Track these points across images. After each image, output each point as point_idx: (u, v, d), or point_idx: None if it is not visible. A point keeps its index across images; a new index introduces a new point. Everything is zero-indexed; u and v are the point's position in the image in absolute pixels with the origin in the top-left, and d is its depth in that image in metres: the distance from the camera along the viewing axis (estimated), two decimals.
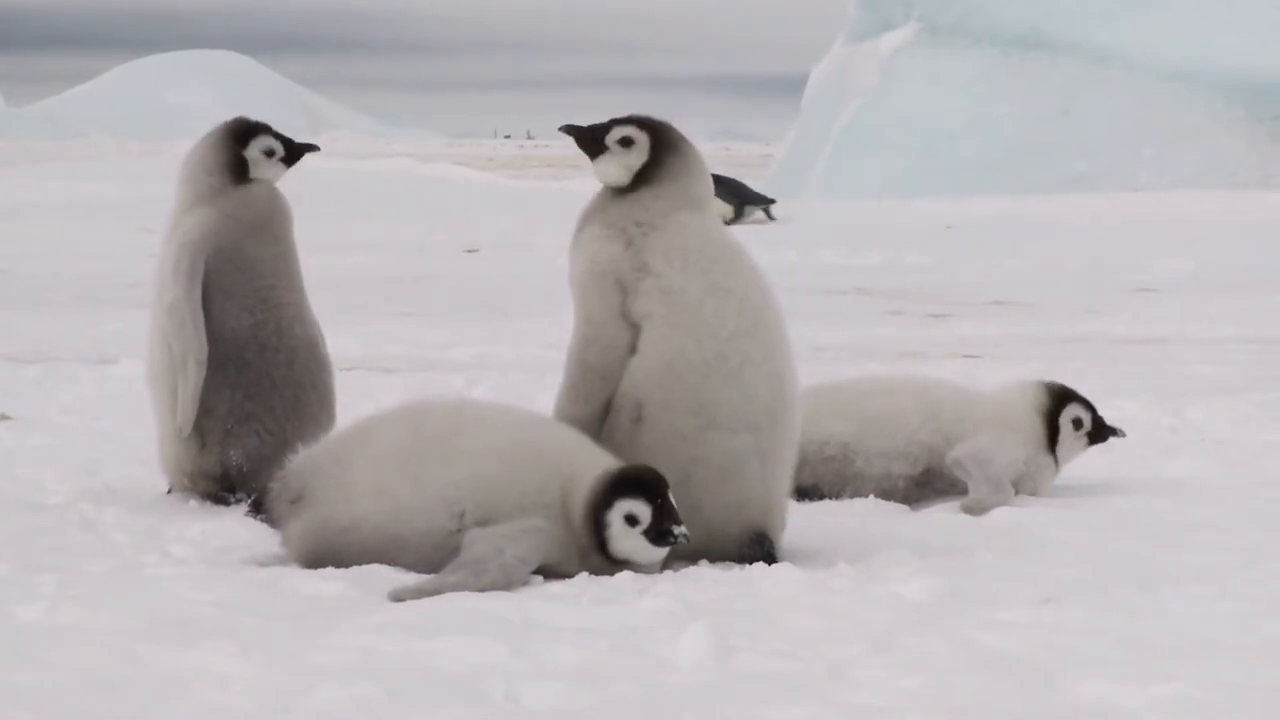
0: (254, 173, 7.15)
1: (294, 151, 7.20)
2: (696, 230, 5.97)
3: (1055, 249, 21.15)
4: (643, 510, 5.59)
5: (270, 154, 7.15)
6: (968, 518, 6.76)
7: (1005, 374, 10.67)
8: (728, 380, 5.86)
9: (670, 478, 5.73)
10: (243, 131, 7.16)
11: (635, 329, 5.87)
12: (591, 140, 6.08)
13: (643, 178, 6.02)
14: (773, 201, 28.53)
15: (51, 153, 64.58)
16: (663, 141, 6.06)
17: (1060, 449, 7.26)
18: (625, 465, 5.68)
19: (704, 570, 5.79)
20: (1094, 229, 23.86)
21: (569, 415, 5.87)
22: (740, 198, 28.45)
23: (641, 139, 6.05)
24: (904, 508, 6.98)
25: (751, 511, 5.89)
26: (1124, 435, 7.40)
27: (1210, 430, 8.85)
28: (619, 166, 6.04)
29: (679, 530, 5.60)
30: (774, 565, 5.81)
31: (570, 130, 6.16)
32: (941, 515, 6.81)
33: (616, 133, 6.07)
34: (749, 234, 21.50)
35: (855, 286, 17.73)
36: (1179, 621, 5.19)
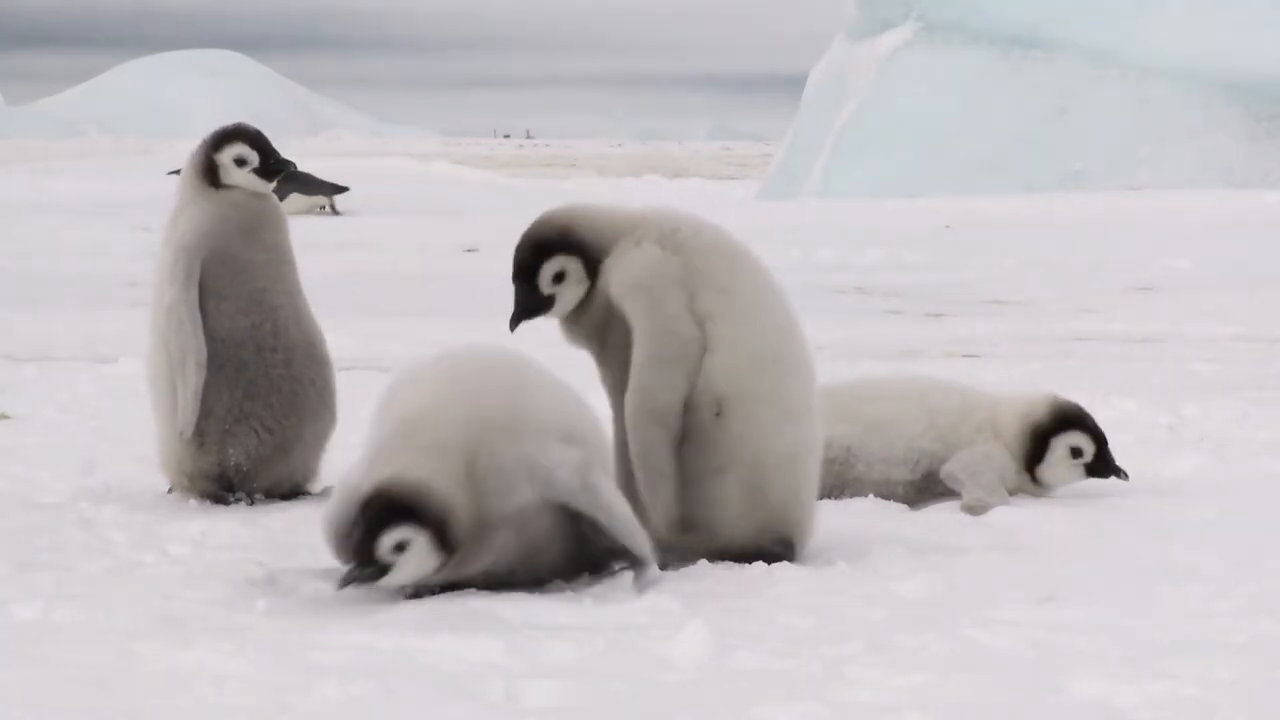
0: (224, 178, 7.15)
1: (268, 168, 7.17)
2: (710, 232, 6.00)
3: (1053, 248, 21.14)
4: None
5: (241, 162, 7.15)
6: (966, 517, 6.76)
7: (1004, 373, 10.69)
8: (794, 369, 5.93)
9: (744, 467, 5.82)
10: (220, 137, 7.19)
11: (701, 328, 5.88)
12: (532, 301, 5.91)
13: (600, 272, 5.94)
14: (345, 189, 28.86)
15: (50, 151, 64.57)
16: (585, 245, 5.92)
17: (1044, 471, 7.09)
18: None
19: (703, 569, 5.80)
20: (1092, 227, 23.85)
21: (658, 413, 5.80)
22: (317, 187, 28.58)
23: (570, 264, 5.91)
24: (903, 507, 6.98)
25: (806, 498, 5.96)
26: (1127, 478, 7.12)
27: (1208, 429, 8.85)
28: (573, 293, 5.93)
29: None
30: (773, 564, 5.82)
31: (514, 318, 5.94)
32: (941, 515, 6.81)
33: (545, 274, 5.90)
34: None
35: (854, 285, 17.72)
36: (1176, 620, 5.20)
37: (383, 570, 5.27)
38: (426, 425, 5.39)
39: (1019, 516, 6.70)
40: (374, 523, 5.26)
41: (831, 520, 6.62)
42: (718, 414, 5.86)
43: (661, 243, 5.92)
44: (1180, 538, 6.35)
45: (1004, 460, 7.04)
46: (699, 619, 4.97)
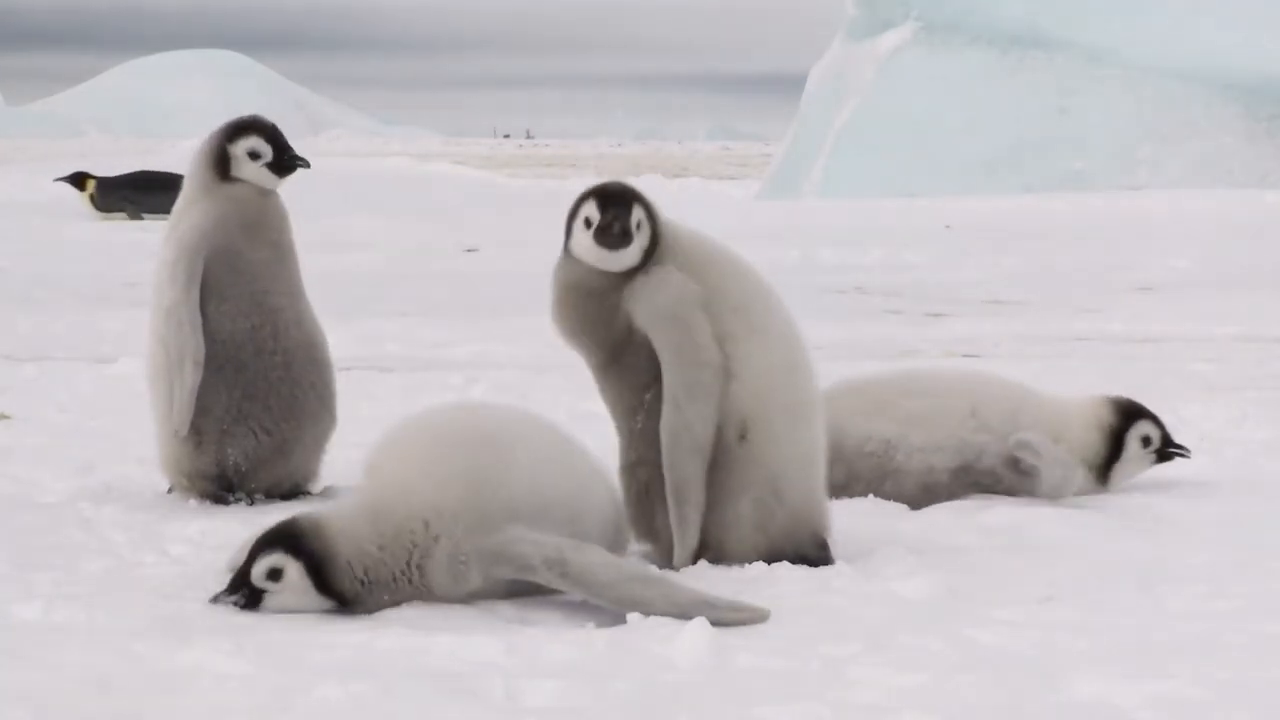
0: (235, 171, 7.11)
1: (282, 163, 7.14)
2: (713, 247, 6.00)
3: (1052, 248, 21.13)
4: None
5: (255, 156, 7.11)
6: (966, 517, 6.75)
7: (1004, 372, 10.67)
8: (801, 371, 5.94)
9: (761, 484, 5.82)
10: (236, 127, 7.15)
11: (721, 350, 5.87)
12: (622, 236, 5.87)
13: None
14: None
15: (50, 151, 64.53)
16: (656, 221, 5.96)
17: (1121, 467, 7.27)
18: None
19: (703, 569, 5.80)
20: (1091, 227, 23.84)
21: (697, 445, 5.80)
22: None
23: (645, 221, 5.92)
24: (903, 507, 6.97)
25: (819, 501, 5.95)
26: (1189, 455, 7.40)
27: (1208, 429, 8.85)
28: (638, 248, 5.92)
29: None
30: (773, 564, 5.82)
31: (617, 241, 5.88)
32: (941, 515, 6.81)
33: (635, 215, 5.88)
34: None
35: (854, 285, 17.72)
36: (1175, 620, 5.20)
37: (257, 596, 5.27)
38: (391, 493, 5.35)
39: (1019, 516, 6.71)
40: (254, 547, 5.31)
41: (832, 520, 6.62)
42: (742, 437, 5.85)
43: (680, 265, 5.91)
44: (1179, 538, 6.36)
45: (1070, 460, 7.10)
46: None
